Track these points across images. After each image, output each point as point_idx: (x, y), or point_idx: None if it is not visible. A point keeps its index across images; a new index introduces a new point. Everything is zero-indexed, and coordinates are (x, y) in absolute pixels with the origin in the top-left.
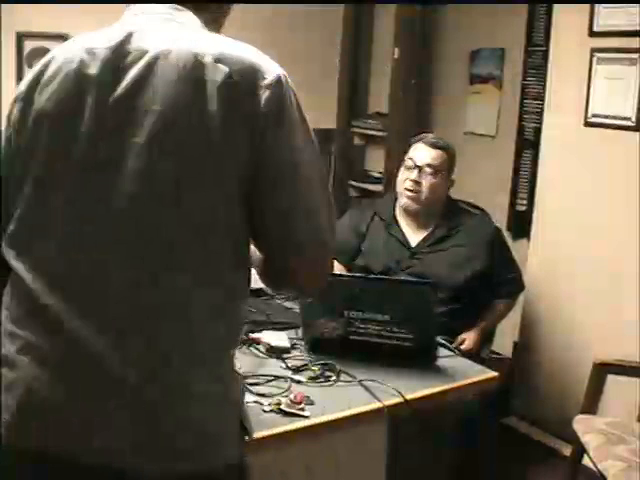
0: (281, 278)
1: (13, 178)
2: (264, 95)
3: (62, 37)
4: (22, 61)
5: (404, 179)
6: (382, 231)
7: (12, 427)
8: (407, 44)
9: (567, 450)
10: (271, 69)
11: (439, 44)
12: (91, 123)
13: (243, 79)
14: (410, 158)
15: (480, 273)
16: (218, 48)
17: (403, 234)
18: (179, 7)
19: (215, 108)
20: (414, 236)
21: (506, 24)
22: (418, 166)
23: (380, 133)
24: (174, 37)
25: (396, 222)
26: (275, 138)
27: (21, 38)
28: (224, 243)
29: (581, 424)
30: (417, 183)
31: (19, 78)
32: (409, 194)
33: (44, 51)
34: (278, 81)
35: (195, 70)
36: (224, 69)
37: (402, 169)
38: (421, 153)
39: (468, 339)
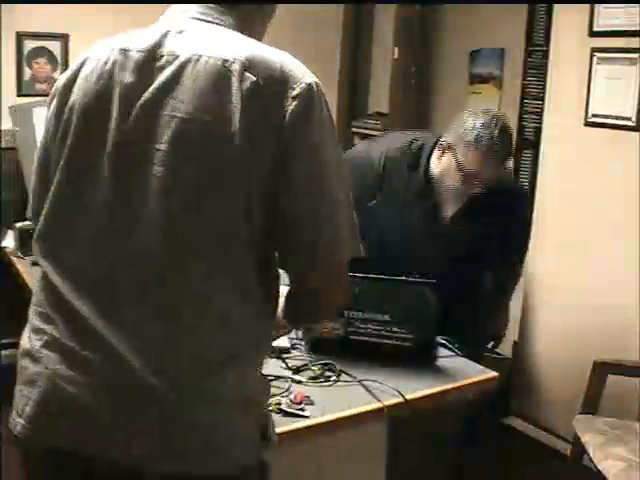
0: (307, 290)
1: (50, 172)
2: (291, 107)
3: (62, 37)
4: (22, 61)
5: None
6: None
7: (33, 422)
8: (407, 44)
9: (567, 450)
10: (301, 78)
11: (439, 44)
12: (117, 126)
13: (270, 89)
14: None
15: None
16: (248, 54)
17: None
18: (214, 7)
19: (240, 119)
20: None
21: (506, 24)
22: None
23: (380, 133)
24: (206, 41)
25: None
26: (301, 153)
27: (21, 38)
28: (247, 253)
29: (581, 424)
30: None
31: (19, 78)
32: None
33: (44, 51)
34: (308, 91)
35: (222, 78)
36: (251, 78)
37: (455, 165)
38: (487, 167)
39: None
